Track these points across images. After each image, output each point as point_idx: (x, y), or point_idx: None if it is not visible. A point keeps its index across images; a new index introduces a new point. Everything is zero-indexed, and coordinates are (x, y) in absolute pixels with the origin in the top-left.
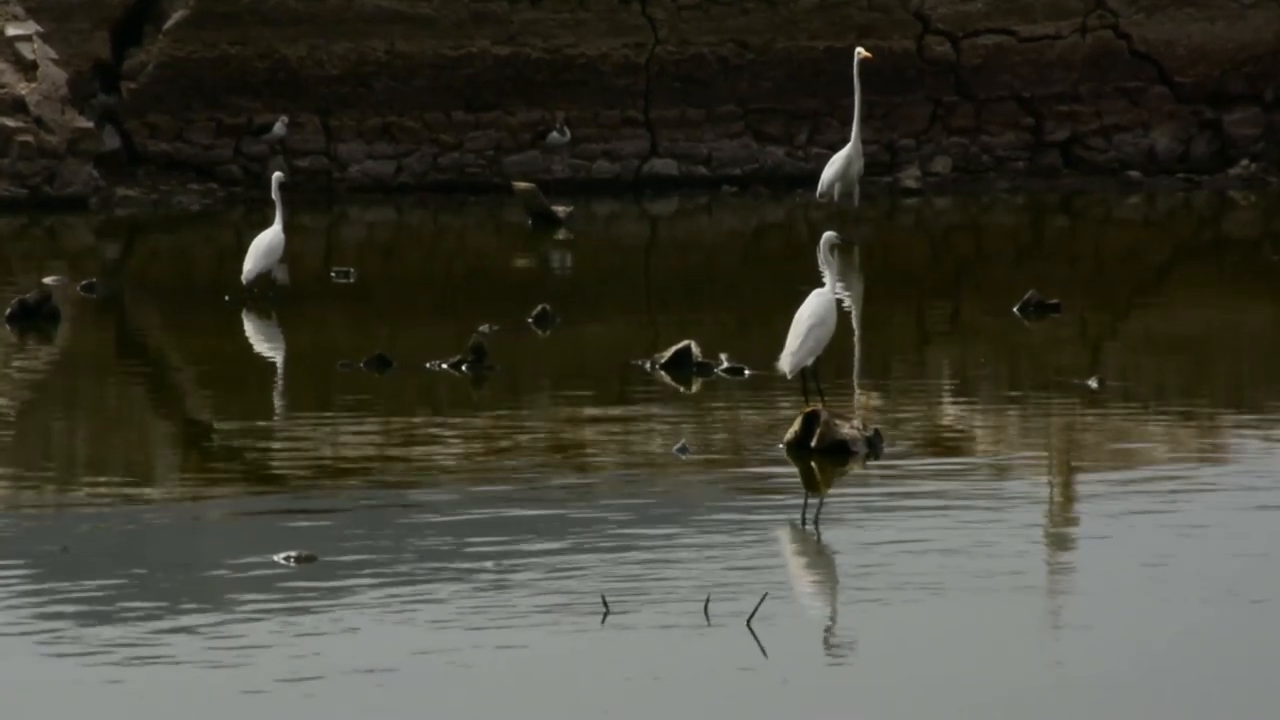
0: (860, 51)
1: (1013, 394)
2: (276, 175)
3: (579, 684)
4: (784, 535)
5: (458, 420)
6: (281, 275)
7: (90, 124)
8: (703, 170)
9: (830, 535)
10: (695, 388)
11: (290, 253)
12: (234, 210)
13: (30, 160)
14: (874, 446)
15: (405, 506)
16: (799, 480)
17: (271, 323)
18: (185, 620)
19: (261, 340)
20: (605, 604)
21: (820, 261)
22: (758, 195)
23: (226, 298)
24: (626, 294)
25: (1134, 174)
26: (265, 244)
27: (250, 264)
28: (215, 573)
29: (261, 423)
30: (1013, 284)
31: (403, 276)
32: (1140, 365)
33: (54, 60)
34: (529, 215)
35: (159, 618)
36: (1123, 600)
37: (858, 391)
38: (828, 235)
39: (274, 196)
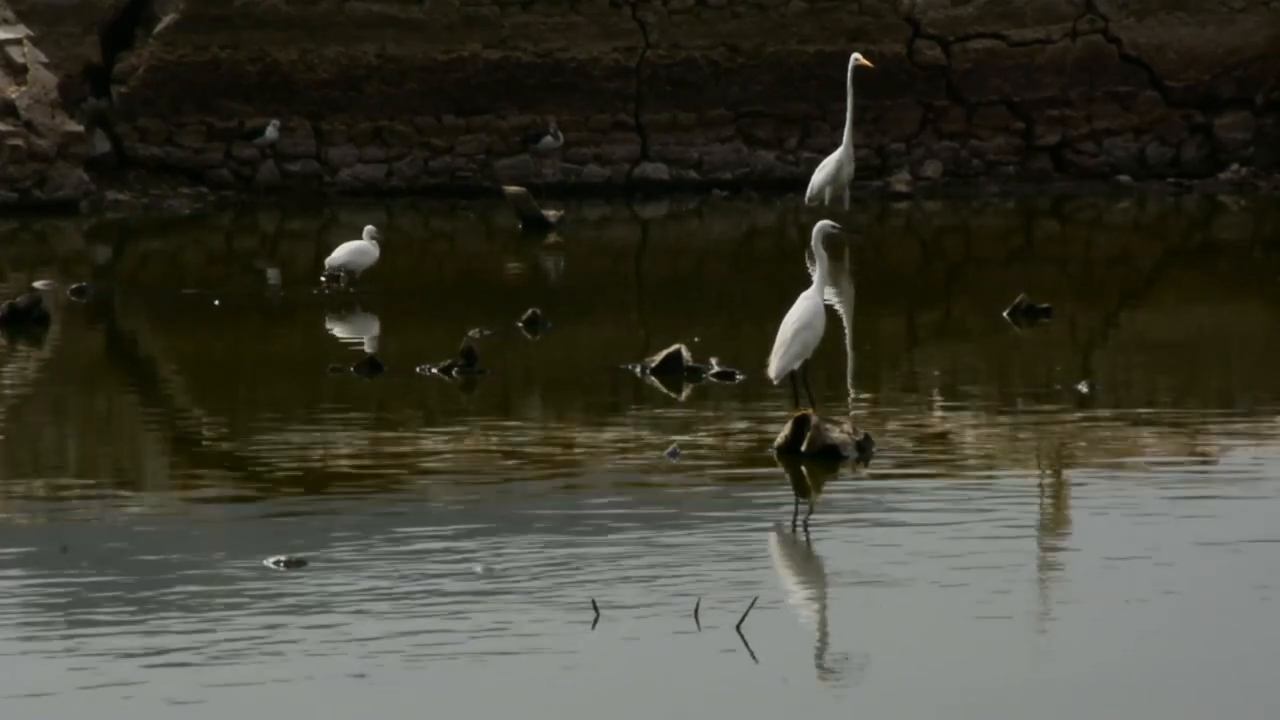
0: (857, 58)
1: (1003, 398)
2: (369, 229)
3: (569, 688)
4: (774, 539)
5: (448, 424)
6: (345, 280)
7: (81, 128)
8: (693, 174)
9: (820, 539)
10: (686, 392)
11: (286, 258)
12: (225, 214)
13: (21, 164)
14: (864, 451)
15: (395, 510)
16: (789, 484)
17: (348, 318)
18: (175, 623)
19: (252, 344)
20: (595, 608)
21: (811, 256)
22: (748, 199)
23: (217, 301)
24: (617, 298)
25: (1124, 178)
26: (358, 247)
27: (339, 255)
28: (206, 576)
29: (252, 426)
30: (1003, 288)
31: (393, 280)
32: (1131, 369)
33: (44, 64)
34: (519, 219)
35: (149, 620)
36: (1114, 601)
37: (850, 395)
38: (822, 224)
39: (371, 238)
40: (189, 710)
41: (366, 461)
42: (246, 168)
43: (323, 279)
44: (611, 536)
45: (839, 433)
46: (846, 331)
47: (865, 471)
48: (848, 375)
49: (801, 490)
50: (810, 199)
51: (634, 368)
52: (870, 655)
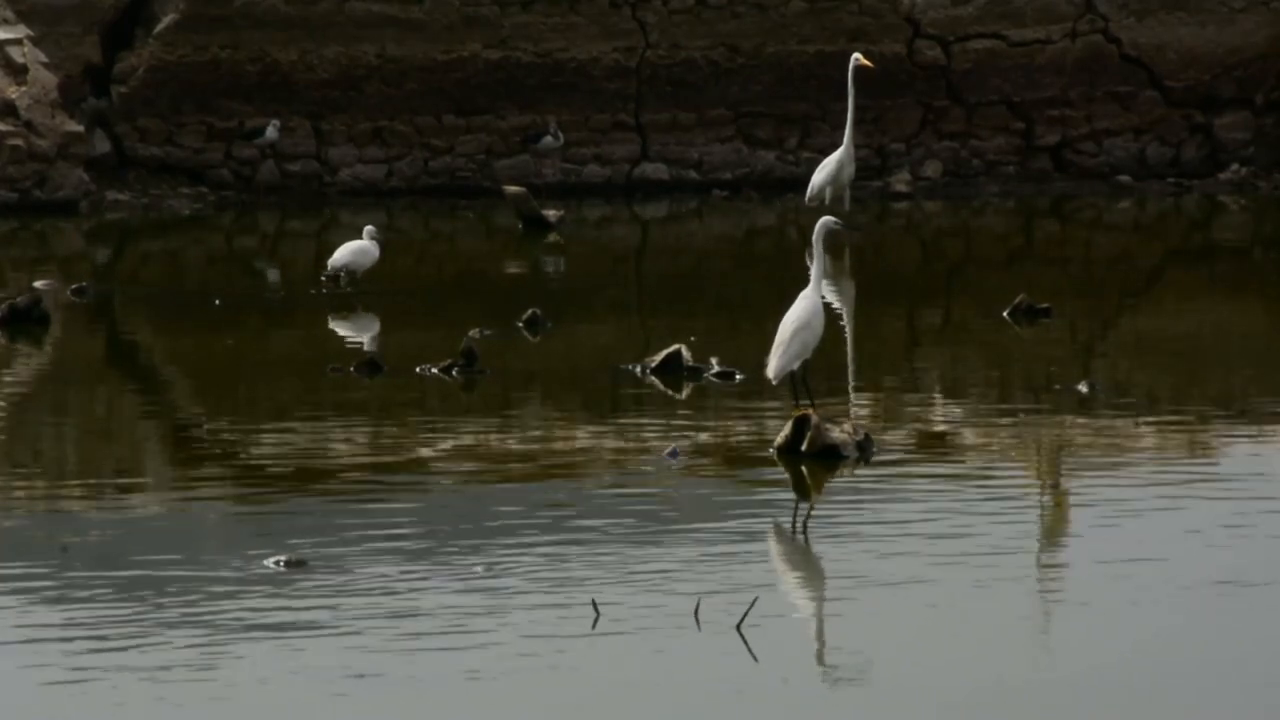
0: (858, 58)
1: (1003, 398)
2: (369, 229)
3: (569, 688)
4: (774, 539)
5: (448, 424)
6: (345, 280)
7: (81, 128)
8: (693, 174)
9: (820, 539)
10: (686, 392)
11: (286, 258)
12: (225, 214)
13: (21, 164)
14: (864, 451)
15: (395, 511)
16: (789, 484)
17: (347, 319)
18: (175, 624)
19: (252, 344)
20: (596, 608)
21: (811, 253)
22: (748, 199)
23: (217, 301)
24: (617, 298)
25: (1124, 178)
26: (359, 247)
27: (341, 255)
28: (206, 577)
29: (252, 426)
30: (1003, 288)
31: (393, 280)
32: (1131, 369)
33: (44, 64)
34: (519, 219)
35: (148, 620)
36: (1113, 601)
37: (852, 395)
38: (824, 220)
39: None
40: (188, 710)
41: (366, 461)
42: (246, 168)
43: (323, 279)
44: (611, 537)
45: (839, 433)
46: (847, 331)
47: (865, 471)
48: (848, 375)
49: (801, 490)
50: (810, 199)
51: (634, 368)
52: (870, 655)
